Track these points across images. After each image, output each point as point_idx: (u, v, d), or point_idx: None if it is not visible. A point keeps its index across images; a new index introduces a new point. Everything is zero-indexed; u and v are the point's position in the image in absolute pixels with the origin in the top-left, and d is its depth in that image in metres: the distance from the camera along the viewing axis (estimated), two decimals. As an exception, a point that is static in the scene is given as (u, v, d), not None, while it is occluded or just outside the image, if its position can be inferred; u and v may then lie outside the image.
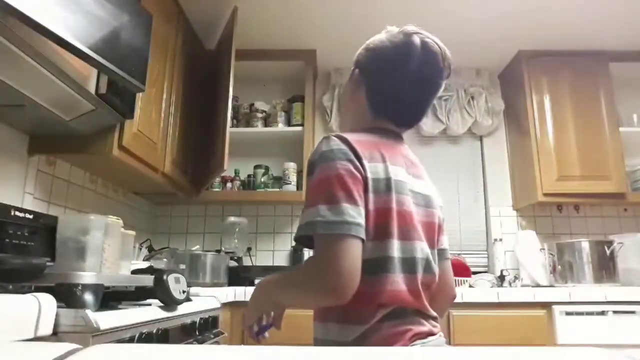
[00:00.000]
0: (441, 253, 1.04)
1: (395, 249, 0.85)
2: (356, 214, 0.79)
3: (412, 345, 0.83)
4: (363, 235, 0.79)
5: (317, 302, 0.86)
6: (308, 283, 0.82)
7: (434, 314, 0.92)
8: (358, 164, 0.84)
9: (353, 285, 0.76)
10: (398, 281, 0.84)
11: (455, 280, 2.37)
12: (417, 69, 0.93)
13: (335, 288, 0.75)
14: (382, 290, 0.83)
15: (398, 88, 0.95)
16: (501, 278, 2.40)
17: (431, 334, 0.88)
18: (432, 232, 0.97)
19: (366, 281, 0.80)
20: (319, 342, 0.91)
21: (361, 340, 0.82)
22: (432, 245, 0.96)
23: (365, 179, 0.83)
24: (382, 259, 0.84)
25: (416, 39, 0.94)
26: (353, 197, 0.80)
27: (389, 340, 0.82)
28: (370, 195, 0.83)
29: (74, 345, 0.36)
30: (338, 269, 0.75)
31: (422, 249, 0.90)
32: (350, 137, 0.87)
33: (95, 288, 0.91)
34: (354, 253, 0.77)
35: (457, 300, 1.92)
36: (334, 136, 0.87)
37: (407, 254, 0.87)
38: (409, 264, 0.87)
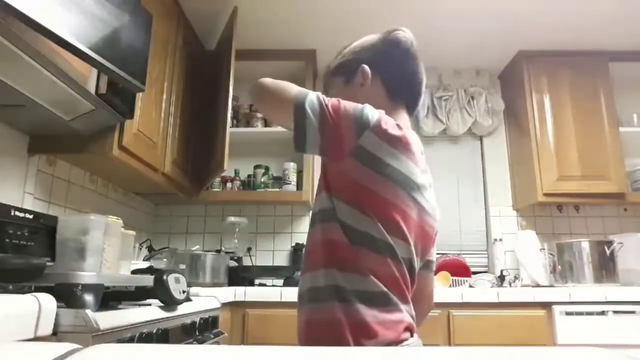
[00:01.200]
0: (428, 264, 1.06)
1: (381, 234, 0.87)
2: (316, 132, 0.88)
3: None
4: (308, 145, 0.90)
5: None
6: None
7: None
8: (361, 129, 0.87)
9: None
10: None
11: (455, 280, 2.39)
12: (411, 51, 1.05)
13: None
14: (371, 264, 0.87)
15: (408, 69, 1.05)
16: (501, 278, 2.40)
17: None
18: (427, 242, 0.99)
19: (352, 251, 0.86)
20: (316, 289, 0.90)
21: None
22: (422, 256, 0.98)
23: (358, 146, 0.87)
24: (368, 236, 0.87)
25: (394, 34, 1.07)
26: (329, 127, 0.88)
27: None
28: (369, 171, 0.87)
29: (74, 345, 0.36)
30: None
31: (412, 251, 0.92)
32: (386, 116, 0.91)
33: (95, 288, 0.91)
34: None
35: (457, 300, 1.93)
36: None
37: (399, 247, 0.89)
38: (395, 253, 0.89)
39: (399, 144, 0.89)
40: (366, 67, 1.04)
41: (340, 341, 0.83)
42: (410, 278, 0.92)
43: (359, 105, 0.89)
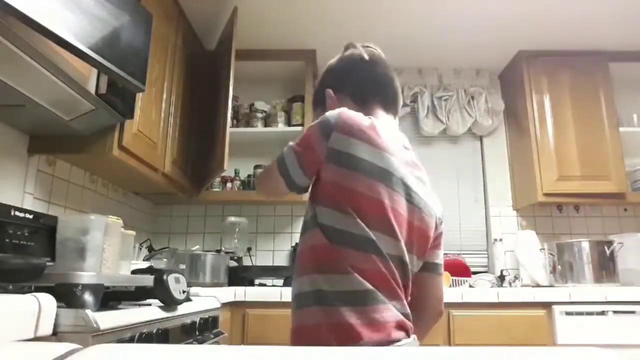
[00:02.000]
0: (433, 267, 1.05)
1: (357, 228, 0.88)
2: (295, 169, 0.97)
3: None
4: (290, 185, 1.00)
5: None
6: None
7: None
8: (327, 133, 0.92)
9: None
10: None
11: (455, 280, 2.39)
12: (367, 59, 1.11)
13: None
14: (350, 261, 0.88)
15: (370, 74, 1.11)
16: (501, 278, 2.40)
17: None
18: (422, 239, 0.98)
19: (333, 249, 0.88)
20: (302, 295, 0.92)
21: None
22: (419, 254, 0.98)
23: (328, 150, 0.92)
24: (346, 233, 0.88)
25: (347, 52, 1.15)
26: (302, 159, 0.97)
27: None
28: (331, 166, 0.91)
29: (74, 345, 0.36)
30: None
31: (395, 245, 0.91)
32: (348, 112, 0.96)
33: (95, 288, 0.91)
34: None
35: (457, 300, 1.93)
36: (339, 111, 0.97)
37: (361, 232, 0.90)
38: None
39: (368, 133, 0.92)
40: (329, 90, 1.11)
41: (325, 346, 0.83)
42: (402, 275, 0.91)
43: (321, 118, 0.96)
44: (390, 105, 1.10)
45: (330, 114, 0.95)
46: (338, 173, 0.90)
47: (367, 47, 1.14)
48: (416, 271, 1.00)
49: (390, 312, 0.86)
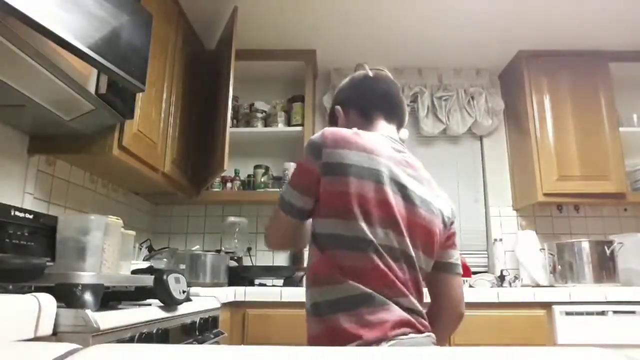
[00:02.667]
0: (449, 267, 1.06)
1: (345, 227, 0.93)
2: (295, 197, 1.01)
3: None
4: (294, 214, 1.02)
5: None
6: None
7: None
8: (318, 153, 0.99)
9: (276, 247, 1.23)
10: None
11: (455, 280, 2.39)
12: (372, 77, 1.21)
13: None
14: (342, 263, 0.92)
15: (374, 90, 1.19)
16: (501, 278, 2.40)
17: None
18: (427, 237, 0.99)
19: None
20: (307, 309, 0.98)
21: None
22: (427, 251, 0.99)
23: (321, 166, 0.97)
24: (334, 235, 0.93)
25: (355, 74, 1.24)
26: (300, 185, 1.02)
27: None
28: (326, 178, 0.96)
29: (74, 345, 0.36)
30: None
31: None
32: (331, 129, 1.03)
33: (95, 288, 0.91)
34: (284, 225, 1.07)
35: (457, 300, 1.93)
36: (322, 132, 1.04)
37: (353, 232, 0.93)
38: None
39: (352, 140, 0.98)
40: (337, 107, 1.21)
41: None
42: (408, 269, 0.92)
43: (307, 143, 1.04)
44: (392, 117, 1.17)
45: (315, 136, 1.03)
46: (331, 181, 0.94)
47: (375, 68, 1.23)
48: (428, 270, 1.02)
49: (389, 312, 0.87)
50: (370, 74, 1.20)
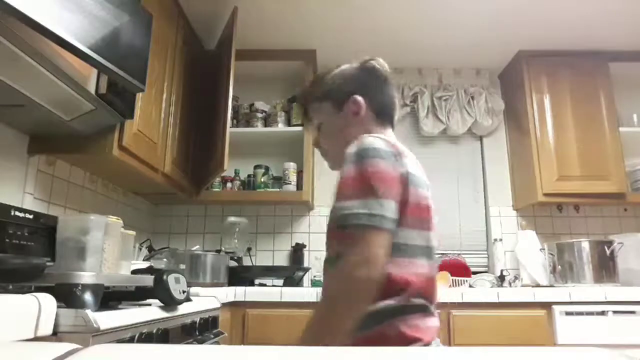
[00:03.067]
0: None
1: (419, 237, 0.95)
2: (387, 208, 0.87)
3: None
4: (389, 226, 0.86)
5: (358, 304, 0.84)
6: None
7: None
8: (400, 160, 0.95)
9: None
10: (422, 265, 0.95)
11: (455, 280, 2.39)
12: (388, 78, 1.15)
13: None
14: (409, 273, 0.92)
15: (387, 94, 1.14)
16: (501, 278, 2.40)
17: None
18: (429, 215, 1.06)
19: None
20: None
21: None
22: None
23: (405, 174, 0.94)
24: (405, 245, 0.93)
25: (370, 63, 1.15)
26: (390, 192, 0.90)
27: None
28: (411, 188, 0.94)
29: (74, 345, 0.36)
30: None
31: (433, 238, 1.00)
32: (376, 137, 0.98)
33: (95, 288, 0.91)
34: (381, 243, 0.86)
35: (457, 300, 1.93)
36: (374, 136, 0.98)
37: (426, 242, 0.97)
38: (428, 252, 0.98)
39: (402, 149, 0.99)
40: (358, 97, 1.09)
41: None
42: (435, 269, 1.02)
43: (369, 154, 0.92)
44: (393, 125, 1.17)
45: (377, 142, 0.93)
46: (414, 192, 0.95)
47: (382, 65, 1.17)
48: None
49: (434, 318, 0.95)
50: (389, 77, 1.15)
